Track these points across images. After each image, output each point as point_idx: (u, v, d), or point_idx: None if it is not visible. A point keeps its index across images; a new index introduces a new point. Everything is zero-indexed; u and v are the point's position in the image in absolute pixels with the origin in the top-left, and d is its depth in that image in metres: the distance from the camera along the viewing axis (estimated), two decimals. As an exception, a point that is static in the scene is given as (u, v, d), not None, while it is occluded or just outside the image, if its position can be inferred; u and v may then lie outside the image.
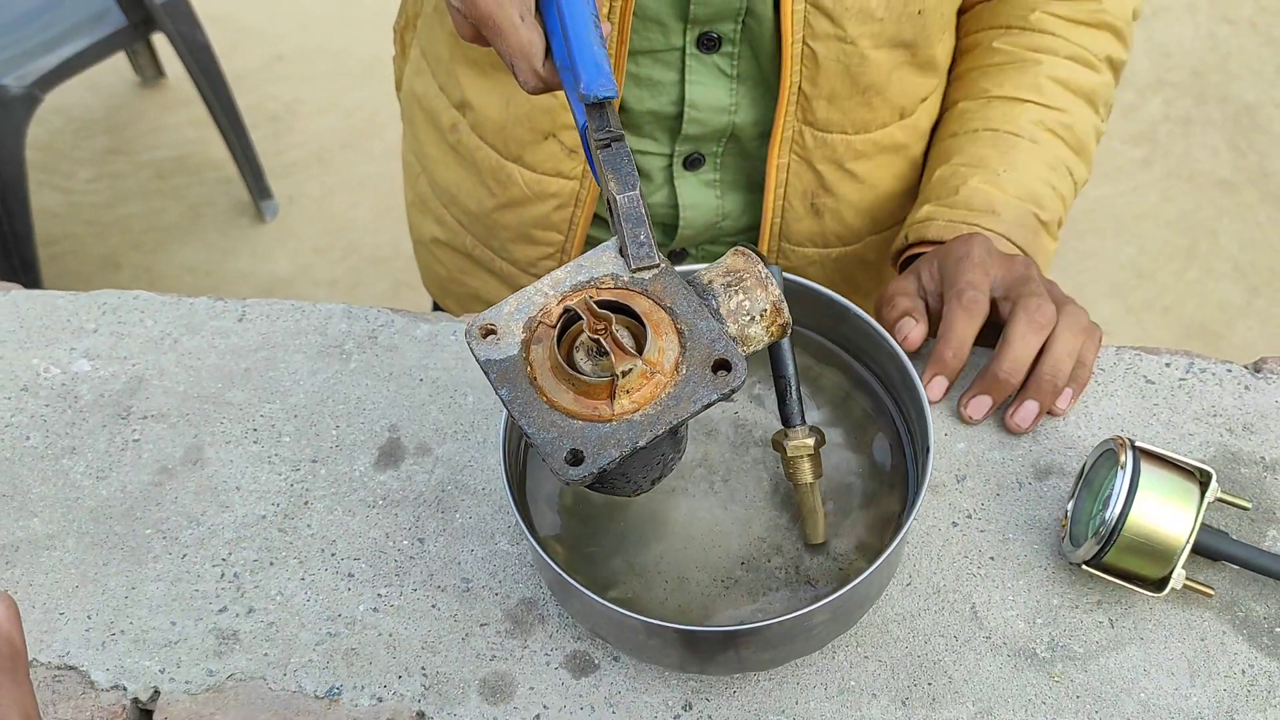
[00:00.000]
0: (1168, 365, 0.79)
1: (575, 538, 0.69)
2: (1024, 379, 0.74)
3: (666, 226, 0.90)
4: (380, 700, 0.66)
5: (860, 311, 0.69)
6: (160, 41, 2.44)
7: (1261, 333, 2.30)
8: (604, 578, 0.67)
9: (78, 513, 0.74)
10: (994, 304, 0.75)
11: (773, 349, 0.66)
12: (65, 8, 2.05)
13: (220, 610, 0.69)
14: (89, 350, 0.81)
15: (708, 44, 0.79)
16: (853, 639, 0.68)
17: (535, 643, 0.68)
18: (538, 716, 0.65)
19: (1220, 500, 0.68)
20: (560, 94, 0.61)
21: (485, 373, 0.52)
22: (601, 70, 0.54)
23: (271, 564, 0.71)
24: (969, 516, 0.72)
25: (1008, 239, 0.81)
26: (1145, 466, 0.66)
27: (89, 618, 0.69)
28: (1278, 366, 0.79)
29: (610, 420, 0.51)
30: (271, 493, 0.74)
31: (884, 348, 0.69)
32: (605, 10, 0.75)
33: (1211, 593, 0.68)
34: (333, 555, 0.71)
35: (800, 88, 0.79)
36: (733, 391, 0.51)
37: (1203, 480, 0.67)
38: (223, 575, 0.71)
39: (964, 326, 0.73)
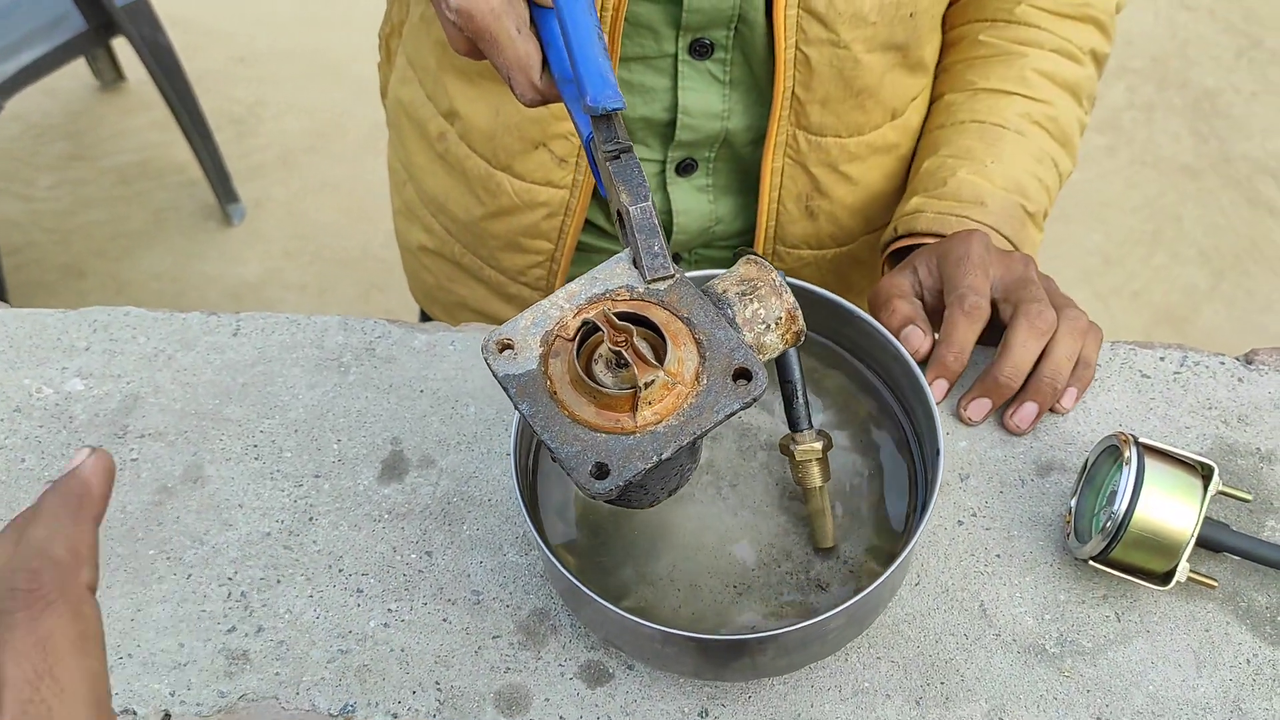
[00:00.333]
0: (1162, 359, 0.80)
1: (585, 548, 0.69)
2: (1024, 383, 0.74)
3: None
4: (395, 716, 0.65)
5: (864, 315, 0.70)
6: (120, 44, 2.40)
7: (1227, 316, 2.34)
8: (616, 587, 0.67)
9: (77, 535, 0.72)
10: (993, 305, 0.76)
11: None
12: (22, 13, 2.02)
13: (229, 630, 0.69)
14: (81, 369, 0.80)
15: (700, 50, 0.79)
16: (865, 640, 0.68)
17: (549, 654, 0.68)
18: (555, 728, 0.65)
19: (1221, 493, 0.69)
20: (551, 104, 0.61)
21: (505, 388, 0.52)
22: (608, 82, 0.54)
23: (279, 582, 0.70)
24: (974, 515, 0.73)
25: (996, 231, 0.81)
26: (1149, 462, 0.67)
27: (94, 642, 0.68)
28: (1269, 358, 0.80)
29: (634, 432, 0.51)
30: (275, 509, 0.73)
31: (889, 350, 0.69)
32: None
33: (1215, 584, 0.69)
34: (340, 571, 0.71)
35: (794, 93, 0.79)
36: (754, 400, 0.51)
37: (1205, 474, 0.68)
38: (229, 594, 0.70)
39: (965, 331, 0.74)
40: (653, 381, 0.51)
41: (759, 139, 0.84)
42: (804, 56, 0.77)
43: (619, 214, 0.55)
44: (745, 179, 0.88)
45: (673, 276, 0.54)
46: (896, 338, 0.74)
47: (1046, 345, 0.74)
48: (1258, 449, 0.76)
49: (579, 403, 0.51)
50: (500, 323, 0.64)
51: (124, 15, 2.01)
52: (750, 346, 0.54)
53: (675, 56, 0.79)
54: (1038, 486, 0.74)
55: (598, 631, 0.67)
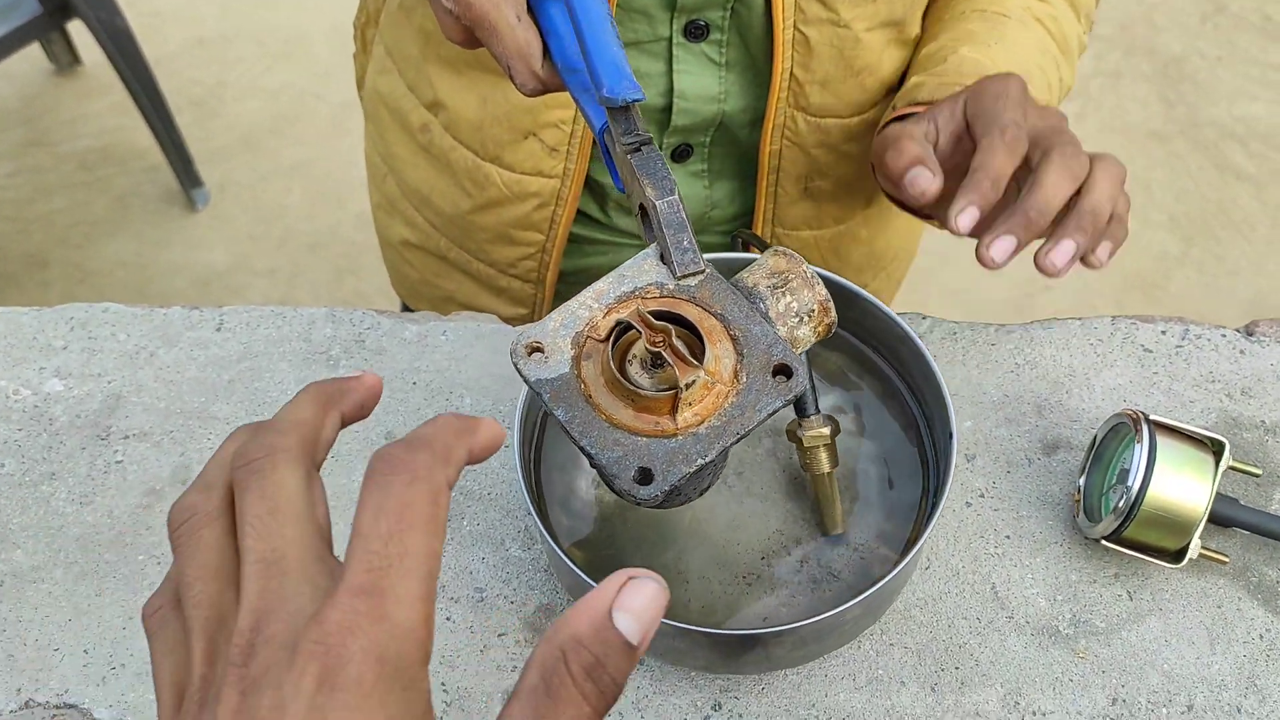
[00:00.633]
0: (1163, 333, 0.79)
1: (592, 541, 0.67)
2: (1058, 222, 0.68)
3: None
4: None
5: (868, 295, 0.68)
6: (75, 28, 2.35)
7: (1198, 281, 2.35)
8: (624, 580, 0.66)
9: (63, 542, 0.70)
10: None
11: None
12: (-25, -3, 1.97)
13: (225, 636, 0.67)
14: (60, 369, 0.77)
15: (695, 32, 0.77)
16: (877, 627, 0.67)
17: (556, 650, 0.66)
18: (566, 726, 0.64)
19: (1231, 468, 0.69)
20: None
21: (538, 393, 0.50)
22: (623, 72, 0.52)
23: (275, 584, 0.68)
24: (981, 495, 0.72)
25: None
26: (1161, 439, 0.66)
27: (86, 652, 0.66)
28: (1269, 329, 0.79)
29: (675, 435, 0.49)
30: (268, 509, 0.71)
31: (894, 331, 0.68)
32: None
33: (1226, 560, 0.68)
34: (338, 571, 0.69)
35: (793, 74, 0.77)
36: (796, 397, 0.50)
37: (1216, 450, 0.67)
38: (224, 599, 0.68)
39: (1004, 160, 0.66)
40: (693, 382, 0.49)
41: (756, 121, 0.82)
42: (803, 36, 0.75)
43: (641, 208, 0.53)
44: (742, 162, 0.86)
45: (703, 271, 0.52)
46: (902, 180, 0.68)
47: (1083, 184, 0.67)
48: (1262, 421, 0.75)
49: (615, 406, 0.49)
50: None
51: (80, -3, 1.96)
52: (785, 341, 0.52)
53: (670, 40, 0.77)
54: (1045, 465, 0.73)
55: (606, 626, 0.65)
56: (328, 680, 0.31)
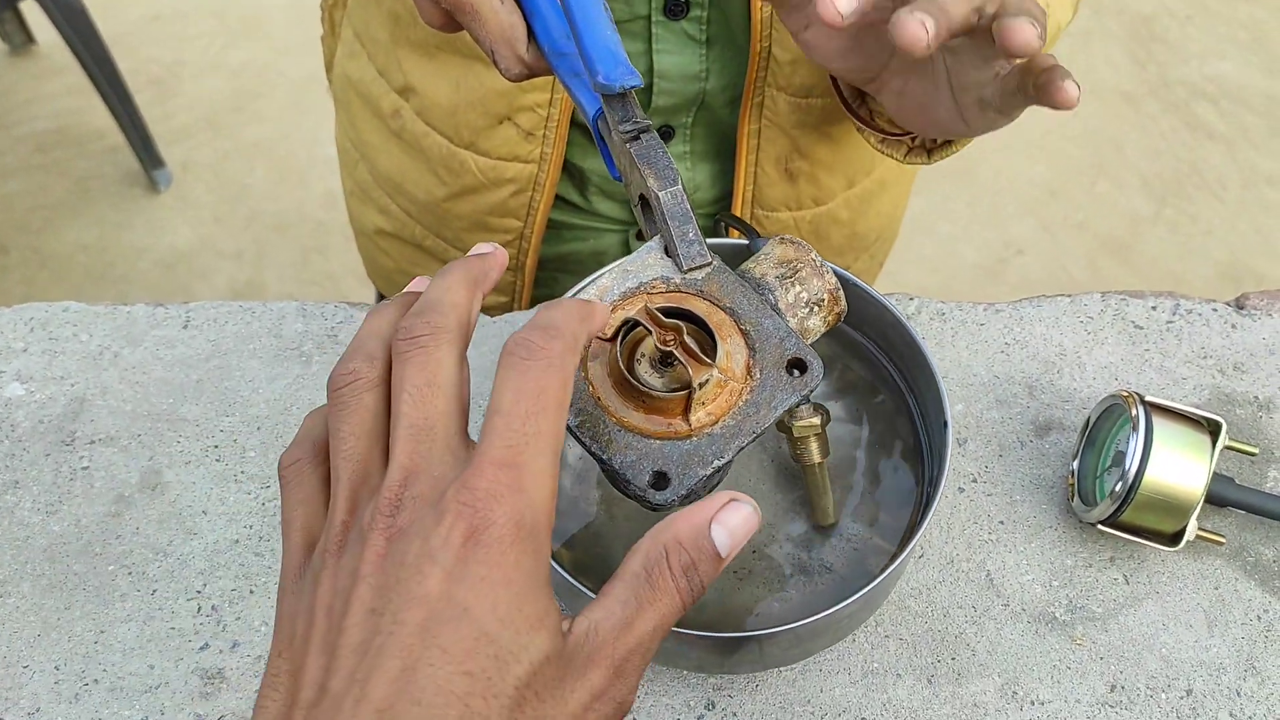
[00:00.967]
0: (1154, 309, 0.78)
1: (578, 540, 0.65)
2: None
3: None
4: (387, 729, 0.62)
5: (856, 279, 0.66)
6: (28, 6, 2.29)
7: (1171, 241, 2.35)
8: (612, 579, 0.64)
9: (29, 553, 0.68)
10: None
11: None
12: (-79, -23, 1.91)
13: (201, 648, 0.65)
14: (20, 372, 0.74)
15: (674, 10, 0.74)
16: (872, 619, 0.66)
17: (545, 653, 0.64)
18: (557, 731, 0.62)
19: (1228, 448, 0.67)
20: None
21: None
22: (618, 58, 0.49)
23: (251, 592, 0.66)
24: (974, 481, 0.71)
25: None
26: (1157, 421, 0.64)
27: (57, 668, 0.64)
28: (1260, 301, 0.78)
29: (689, 436, 0.47)
30: (242, 514, 0.69)
31: (885, 317, 0.66)
32: None
33: (1223, 540, 0.67)
34: (317, 577, 0.67)
35: (770, 52, 0.75)
36: (811, 392, 0.48)
37: (1212, 429, 0.66)
38: (199, 609, 0.66)
39: None
40: (706, 381, 0.47)
41: (737, 99, 0.79)
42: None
43: (642, 199, 0.51)
44: (723, 143, 0.84)
45: (710, 264, 0.50)
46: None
47: None
48: (1255, 397, 0.74)
49: (625, 408, 0.47)
50: None
51: (31, -24, 1.90)
52: (797, 334, 0.50)
53: (649, 18, 0.75)
54: (1037, 448, 0.72)
55: (595, 627, 0.64)
56: (473, 537, 0.35)
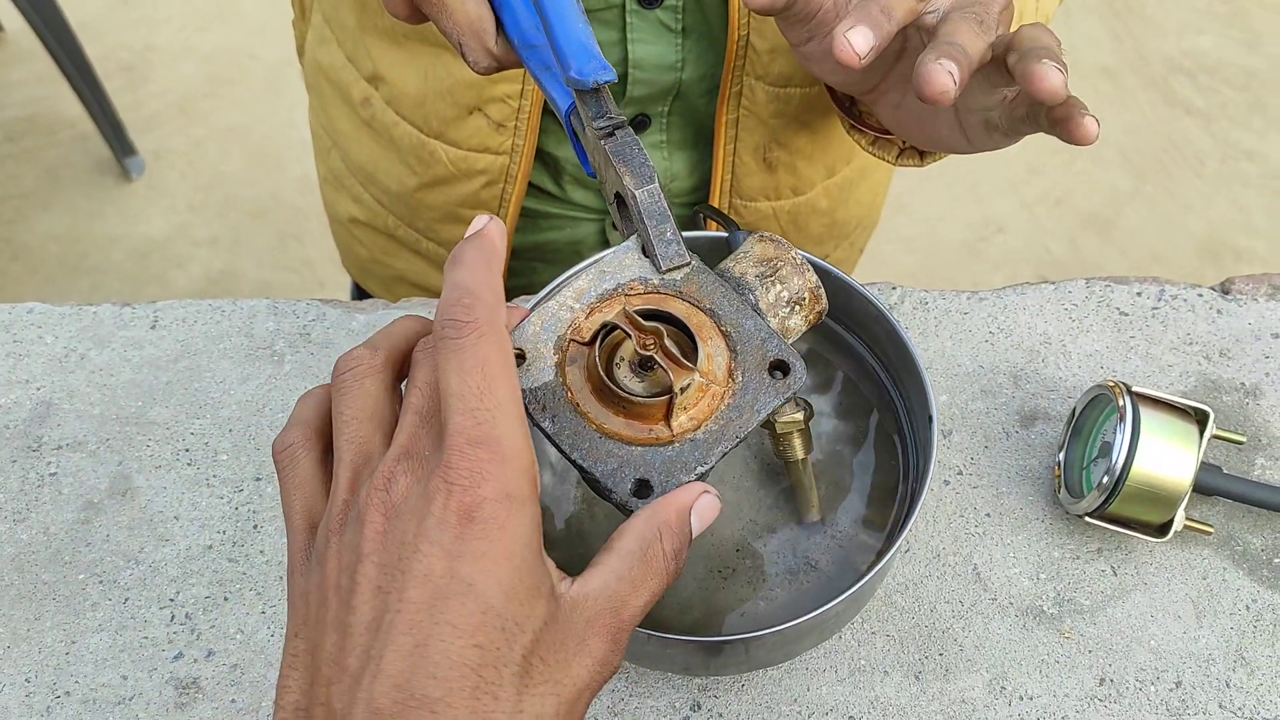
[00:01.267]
0: (1139, 295, 0.77)
1: (559, 540, 0.64)
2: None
3: None
4: (367, 738, 0.61)
5: (837, 271, 0.65)
6: (-8, -7, 2.25)
7: (1151, 217, 2.34)
8: (594, 580, 0.63)
9: (-3, 562, 0.66)
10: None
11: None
12: (-118, -37, 1.87)
13: (175, 657, 0.63)
14: (-16, 376, 0.73)
15: None
16: (858, 616, 0.65)
17: (527, 656, 0.63)
18: (540, 736, 0.61)
19: (1215, 437, 0.67)
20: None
21: (523, 404, 0.47)
22: (591, 52, 0.48)
23: (226, 599, 0.65)
24: (959, 473, 0.70)
25: None
26: (1144, 411, 0.64)
27: (28, 681, 0.62)
28: (1245, 286, 0.77)
29: (671, 442, 0.46)
30: (215, 519, 0.67)
31: (868, 310, 0.65)
32: None
33: (1211, 530, 0.66)
34: (293, 582, 0.65)
35: (749, 41, 0.73)
36: (794, 394, 0.47)
37: (1199, 419, 0.65)
38: (173, 617, 0.64)
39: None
40: (688, 385, 0.46)
41: (714, 89, 0.78)
42: None
43: (618, 196, 0.49)
44: (700, 133, 0.82)
45: (689, 264, 0.49)
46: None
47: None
48: (1241, 384, 0.73)
49: (604, 413, 0.46)
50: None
51: (-6, -38, 1.86)
52: (778, 335, 0.49)
53: (623, 7, 0.73)
54: (1023, 439, 0.71)
55: (578, 629, 0.62)
56: (467, 515, 0.37)
